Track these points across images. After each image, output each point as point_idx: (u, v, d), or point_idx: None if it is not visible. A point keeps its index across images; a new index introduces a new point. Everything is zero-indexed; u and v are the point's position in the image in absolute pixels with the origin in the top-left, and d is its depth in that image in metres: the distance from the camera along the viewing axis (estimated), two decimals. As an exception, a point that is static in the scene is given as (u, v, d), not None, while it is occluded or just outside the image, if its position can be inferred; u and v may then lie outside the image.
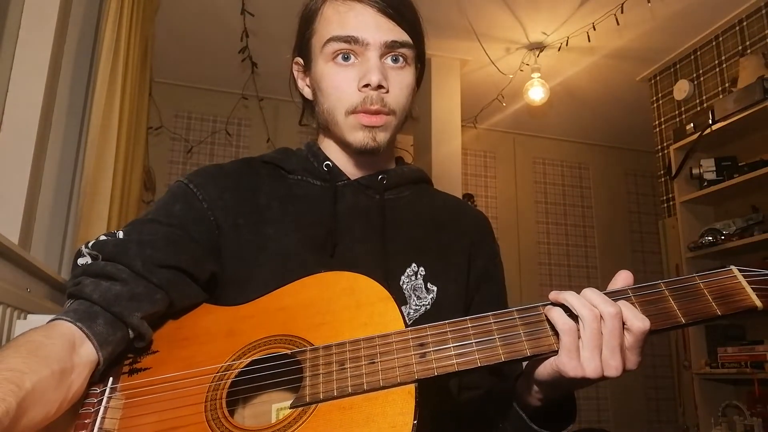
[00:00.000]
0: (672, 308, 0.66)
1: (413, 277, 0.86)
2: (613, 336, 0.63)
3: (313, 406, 0.65)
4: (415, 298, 0.85)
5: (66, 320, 0.66)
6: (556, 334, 0.64)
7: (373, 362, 0.66)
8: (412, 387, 0.63)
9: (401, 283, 0.85)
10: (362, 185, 0.90)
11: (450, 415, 0.86)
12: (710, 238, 3.26)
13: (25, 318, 1.29)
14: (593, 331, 0.63)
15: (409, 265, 0.86)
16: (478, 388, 0.89)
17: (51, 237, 1.88)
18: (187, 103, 4.32)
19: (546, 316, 0.66)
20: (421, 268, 0.86)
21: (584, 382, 0.65)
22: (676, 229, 3.55)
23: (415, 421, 0.61)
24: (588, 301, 0.64)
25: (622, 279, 0.68)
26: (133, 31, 2.18)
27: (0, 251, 1.26)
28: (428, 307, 0.85)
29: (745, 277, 0.67)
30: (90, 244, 0.75)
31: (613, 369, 0.63)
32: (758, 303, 0.65)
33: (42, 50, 1.74)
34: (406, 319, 0.69)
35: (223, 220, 0.84)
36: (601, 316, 0.63)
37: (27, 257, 1.39)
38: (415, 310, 0.84)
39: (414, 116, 0.94)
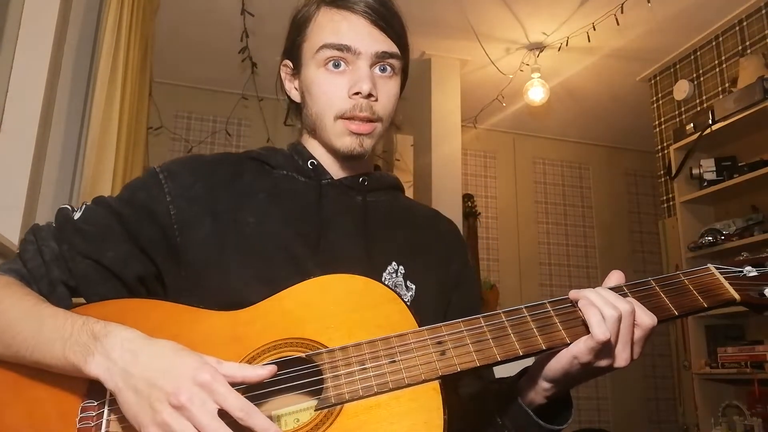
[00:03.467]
0: (665, 303, 0.73)
1: (394, 275, 0.88)
2: (628, 331, 0.69)
3: (339, 407, 0.66)
4: None
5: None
6: (567, 328, 0.70)
7: (394, 361, 0.67)
8: (437, 383, 0.66)
9: (383, 279, 0.87)
10: (345, 185, 0.93)
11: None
12: (710, 238, 3.26)
13: (25, 318, 1.29)
14: (614, 329, 0.68)
15: (390, 263, 0.89)
16: (469, 386, 0.90)
17: (51, 237, 1.87)
18: (187, 103, 4.31)
19: (580, 313, 0.71)
20: (401, 267, 0.89)
21: (594, 372, 0.72)
22: (676, 229, 3.55)
23: (445, 416, 0.63)
24: (607, 300, 0.70)
25: (615, 279, 0.76)
26: (133, 31, 2.18)
27: (0, 251, 1.26)
28: (407, 304, 0.86)
29: (722, 273, 0.76)
30: (63, 209, 0.84)
31: (623, 360, 0.70)
32: (736, 296, 0.74)
33: (42, 50, 1.74)
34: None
35: (189, 212, 0.84)
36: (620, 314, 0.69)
37: (27, 257, 1.38)
38: None
39: (397, 124, 0.97)
